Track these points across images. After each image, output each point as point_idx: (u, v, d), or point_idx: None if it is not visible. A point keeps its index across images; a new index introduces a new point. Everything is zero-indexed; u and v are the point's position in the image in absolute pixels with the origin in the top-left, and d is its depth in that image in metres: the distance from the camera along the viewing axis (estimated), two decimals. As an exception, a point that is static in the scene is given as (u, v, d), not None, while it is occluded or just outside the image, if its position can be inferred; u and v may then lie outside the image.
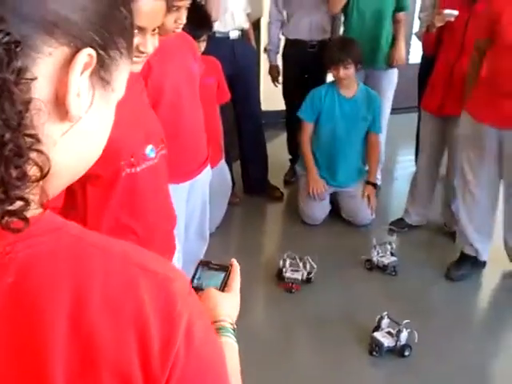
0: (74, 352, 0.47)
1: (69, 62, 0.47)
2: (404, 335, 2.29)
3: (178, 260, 1.57)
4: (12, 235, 0.45)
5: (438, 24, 2.91)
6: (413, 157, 3.77)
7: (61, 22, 0.46)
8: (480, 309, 2.72)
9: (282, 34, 3.65)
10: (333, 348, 2.38)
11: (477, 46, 2.63)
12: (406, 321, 2.29)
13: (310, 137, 3.33)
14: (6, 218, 0.44)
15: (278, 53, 3.69)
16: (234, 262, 0.95)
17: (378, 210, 3.41)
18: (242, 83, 3.32)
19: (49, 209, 0.50)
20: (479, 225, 2.77)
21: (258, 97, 3.52)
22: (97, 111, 0.52)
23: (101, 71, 0.51)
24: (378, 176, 3.74)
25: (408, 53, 4.51)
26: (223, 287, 0.91)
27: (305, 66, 3.62)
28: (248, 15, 3.41)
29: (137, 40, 1.13)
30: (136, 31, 1.12)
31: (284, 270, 2.72)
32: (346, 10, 3.48)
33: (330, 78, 3.71)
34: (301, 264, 2.74)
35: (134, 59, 1.16)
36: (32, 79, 0.44)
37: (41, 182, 0.47)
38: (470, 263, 2.85)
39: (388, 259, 2.89)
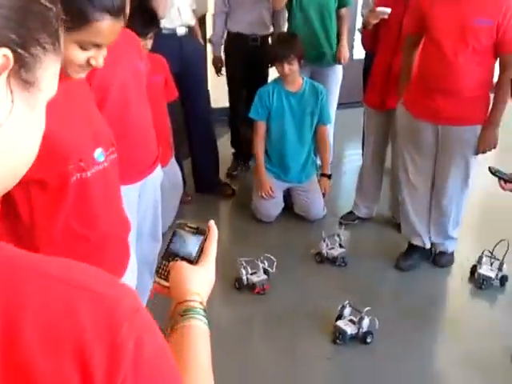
0: None
1: None
2: (366, 322, 2.35)
3: (132, 269, 1.52)
4: None
5: (373, 21, 2.98)
6: (360, 151, 3.85)
7: None
8: (431, 296, 2.81)
9: (225, 26, 3.65)
10: (296, 340, 2.42)
11: (408, 41, 2.68)
12: (368, 308, 2.35)
13: (263, 136, 3.35)
14: None
15: (222, 44, 3.69)
16: (212, 225, 0.89)
17: (328, 204, 3.47)
18: (190, 80, 3.29)
19: None
20: (422, 216, 2.86)
21: (207, 93, 3.50)
22: (21, 116, 0.48)
23: (22, 72, 0.46)
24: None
25: (352, 48, 4.59)
26: (199, 255, 0.86)
27: (247, 60, 3.63)
28: (194, 11, 3.39)
29: (89, 54, 1.11)
30: (92, 46, 1.10)
31: (245, 278, 2.68)
32: (289, 6, 3.51)
33: (272, 72, 3.75)
34: (260, 264, 2.73)
35: (81, 70, 1.13)
36: None
37: None
38: (419, 253, 2.95)
39: (337, 251, 2.95)
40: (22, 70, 0.46)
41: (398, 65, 2.89)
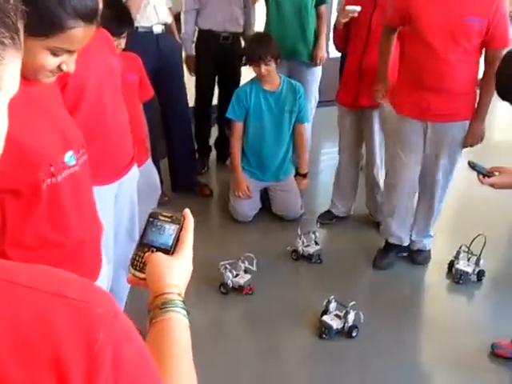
0: None
1: None
2: (351, 317, 2.38)
3: (106, 272, 1.48)
4: None
5: (343, 20, 2.99)
6: (337, 149, 3.86)
7: None
8: (410, 292, 2.84)
9: (196, 23, 3.62)
10: (281, 337, 2.44)
11: (386, 29, 2.65)
12: (353, 302, 2.38)
13: (241, 137, 3.33)
14: None
15: (193, 42, 3.66)
16: (188, 213, 0.86)
17: (306, 202, 3.47)
18: (168, 78, 3.26)
19: None
20: (402, 215, 2.87)
21: (185, 91, 3.46)
22: None
23: None
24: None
25: (328, 46, 4.60)
26: (175, 244, 0.84)
27: (218, 58, 3.61)
28: (170, 9, 3.36)
29: (61, 59, 1.07)
30: (64, 52, 1.07)
31: (229, 281, 2.65)
32: (266, 2, 3.50)
33: (244, 70, 3.73)
34: (241, 264, 2.71)
35: (52, 74, 1.10)
36: None
37: None
38: (396, 251, 2.97)
39: (313, 248, 2.97)
40: None
41: (368, 63, 2.91)
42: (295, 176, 3.46)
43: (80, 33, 1.06)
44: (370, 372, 2.28)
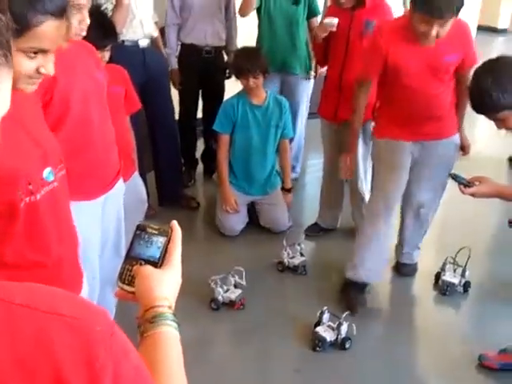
0: None
1: None
2: (344, 328, 2.38)
3: (87, 289, 1.46)
4: None
5: (321, 34, 3.02)
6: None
7: None
8: (398, 304, 2.84)
9: (178, 38, 3.63)
10: (274, 349, 2.44)
11: (362, 86, 2.58)
12: (346, 313, 2.39)
13: (227, 150, 3.33)
14: None
15: (177, 56, 3.67)
16: (175, 225, 0.86)
17: (293, 215, 3.48)
18: (154, 92, 3.26)
19: None
20: (381, 251, 2.70)
21: (172, 104, 3.46)
22: None
23: None
24: (298, 169, 4.02)
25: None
26: (163, 256, 0.83)
27: (201, 72, 3.62)
28: (156, 23, 3.37)
29: (38, 62, 1.04)
30: (38, 53, 1.03)
31: (220, 297, 2.63)
32: (258, 14, 3.53)
33: (228, 84, 3.76)
34: (231, 278, 2.69)
35: (32, 81, 1.06)
36: None
37: None
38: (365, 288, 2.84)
39: (298, 259, 2.98)
40: None
41: (348, 77, 2.92)
42: (283, 191, 3.46)
43: (51, 29, 1.03)
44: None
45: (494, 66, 1.83)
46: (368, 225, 2.68)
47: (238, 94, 3.31)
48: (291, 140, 3.72)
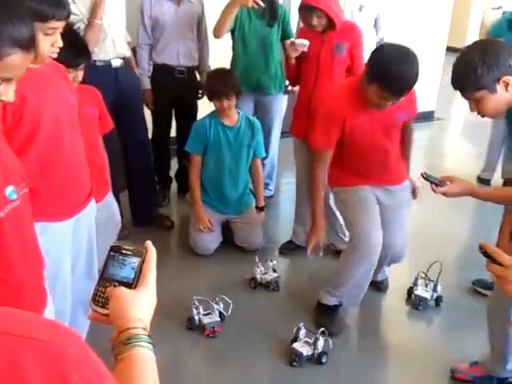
0: None
1: None
2: (320, 343, 2.39)
3: (50, 309, 1.43)
4: None
5: (293, 54, 3.07)
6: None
7: None
8: (372, 318, 2.86)
9: (150, 58, 3.65)
10: (250, 365, 2.43)
11: (322, 156, 2.58)
12: (322, 329, 2.41)
13: (199, 170, 3.34)
14: None
15: (149, 77, 3.68)
16: (150, 245, 0.86)
17: (268, 233, 3.49)
18: (127, 111, 3.26)
19: None
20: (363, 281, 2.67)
21: (145, 124, 3.46)
22: None
23: None
24: (272, 187, 4.04)
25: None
26: (137, 277, 0.83)
27: (174, 92, 3.64)
28: (129, 43, 3.37)
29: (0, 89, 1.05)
30: (2, 82, 1.04)
31: (197, 318, 2.58)
32: (233, 36, 3.57)
33: (200, 103, 3.78)
34: (215, 306, 2.65)
35: None
36: None
37: None
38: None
39: (271, 276, 2.99)
40: None
41: (317, 98, 2.96)
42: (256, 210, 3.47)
43: (18, 61, 1.04)
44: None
45: (484, 46, 1.86)
46: (356, 265, 2.58)
47: (210, 114, 3.32)
48: (264, 159, 3.74)
